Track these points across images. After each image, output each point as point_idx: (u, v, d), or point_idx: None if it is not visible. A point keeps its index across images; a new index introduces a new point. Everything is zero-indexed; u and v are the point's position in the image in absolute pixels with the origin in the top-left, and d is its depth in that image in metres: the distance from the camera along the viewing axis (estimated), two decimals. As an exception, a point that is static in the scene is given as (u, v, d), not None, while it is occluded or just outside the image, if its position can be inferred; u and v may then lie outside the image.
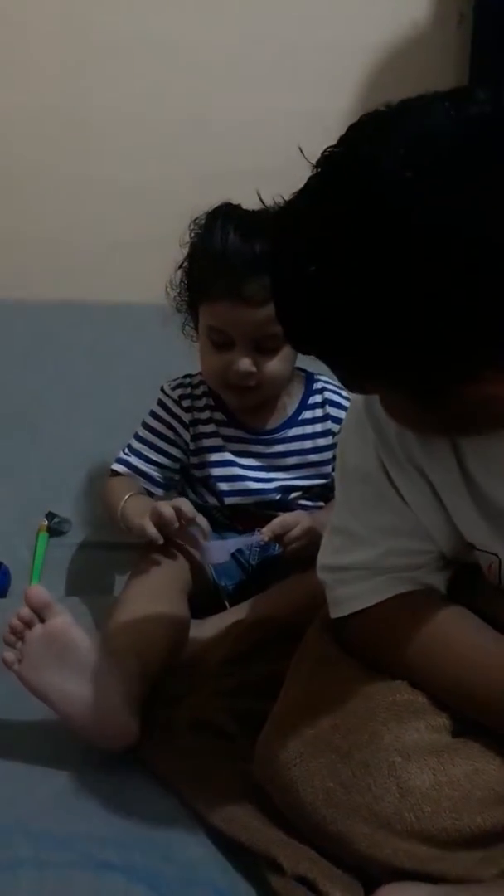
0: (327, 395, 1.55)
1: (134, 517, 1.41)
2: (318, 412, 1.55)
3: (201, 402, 1.55)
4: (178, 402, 1.55)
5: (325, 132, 2.66)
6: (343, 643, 1.05)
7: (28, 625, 1.07)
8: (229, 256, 1.39)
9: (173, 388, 1.58)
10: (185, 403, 1.55)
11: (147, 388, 2.03)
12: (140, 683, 1.13)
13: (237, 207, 1.51)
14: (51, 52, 2.30)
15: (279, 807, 0.96)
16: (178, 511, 1.36)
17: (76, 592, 1.56)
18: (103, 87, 2.33)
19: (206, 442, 1.52)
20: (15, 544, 1.63)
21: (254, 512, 1.50)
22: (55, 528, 1.68)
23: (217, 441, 1.52)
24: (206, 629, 1.34)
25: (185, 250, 1.52)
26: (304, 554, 1.35)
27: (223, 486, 1.51)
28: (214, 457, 1.51)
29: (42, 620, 1.07)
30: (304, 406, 1.55)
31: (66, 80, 2.33)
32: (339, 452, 1.07)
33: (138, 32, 2.30)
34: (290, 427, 1.53)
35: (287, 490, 1.52)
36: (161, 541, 1.38)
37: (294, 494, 1.53)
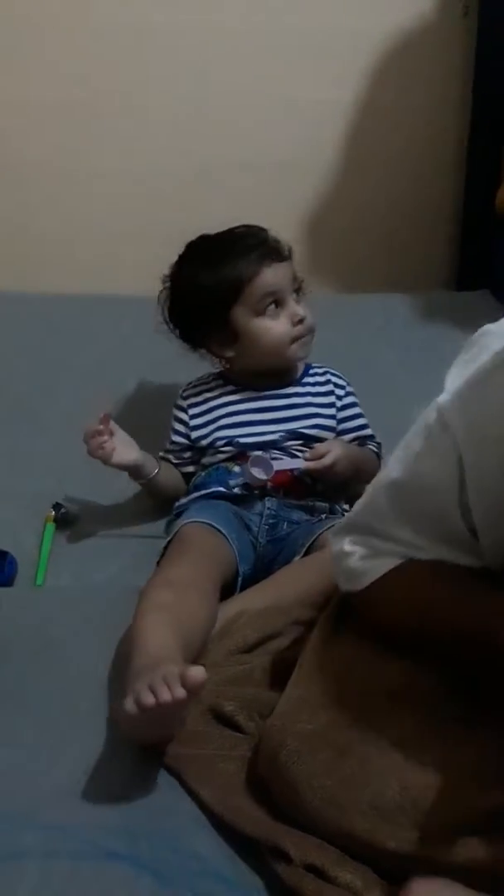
0: (329, 376, 1.73)
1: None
2: (321, 379, 1.72)
3: (210, 383, 1.72)
4: (181, 400, 1.72)
5: (329, 123, 2.69)
6: (360, 613, 1.05)
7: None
8: (237, 242, 1.63)
9: (183, 390, 1.75)
10: (185, 393, 1.73)
11: (152, 379, 2.04)
12: None
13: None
14: (53, 46, 2.30)
15: (281, 804, 0.96)
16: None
17: (82, 582, 1.57)
18: (106, 80, 2.33)
19: (213, 402, 1.68)
20: (22, 535, 1.63)
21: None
22: (62, 519, 1.68)
23: (224, 399, 1.68)
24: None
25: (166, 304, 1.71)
26: (338, 479, 1.57)
27: (230, 431, 1.63)
28: (221, 411, 1.66)
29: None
30: (306, 373, 1.72)
31: (69, 73, 2.33)
32: (405, 449, 1.00)
33: (139, 25, 2.30)
34: (295, 385, 1.70)
35: (290, 436, 1.62)
36: (111, 450, 1.55)
37: (296, 442, 1.62)
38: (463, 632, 0.93)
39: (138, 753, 1.07)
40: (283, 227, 2.32)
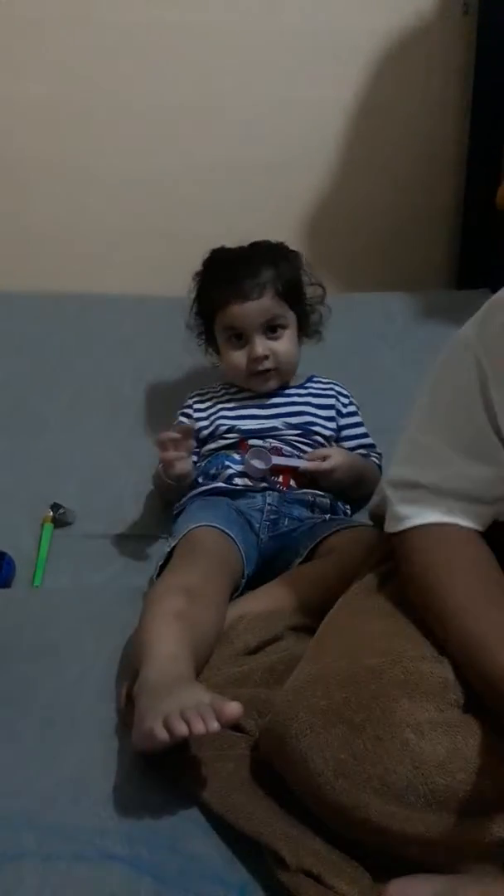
0: (333, 386, 1.79)
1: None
2: (324, 387, 1.78)
3: (215, 388, 1.79)
4: (186, 402, 1.78)
5: (329, 123, 2.69)
6: (396, 563, 1.12)
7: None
8: (228, 269, 1.71)
9: (188, 397, 1.80)
10: (189, 398, 1.78)
11: (151, 379, 2.04)
12: None
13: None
14: (50, 44, 2.30)
15: (288, 781, 0.96)
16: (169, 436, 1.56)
17: (80, 583, 1.56)
18: (106, 79, 2.33)
19: (216, 399, 1.75)
20: (20, 535, 1.63)
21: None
22: (60, 519, 1.68)
23: (227, 396, 1.76)
24: None
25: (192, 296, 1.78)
26: (337, 486, 1.62)
27: (232, 421, 1.69)
28: (224, 404, 1.73)
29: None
30: (310, 380, 1.79)
31: (66, 72, 2.32)
32: (433, 375, 1.15)
33: (138, 25, 2.29)
34: (297, 388, 1.76)
35: (290, 426, 1.68)
36: (182, 456, 1.55)
37: (295, 432, 1.67)
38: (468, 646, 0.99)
39: (137, 755, 1.07)
40: (283, 226, 2.32)
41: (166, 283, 2.16)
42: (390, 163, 2.49)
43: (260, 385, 1.71)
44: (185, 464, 1.57)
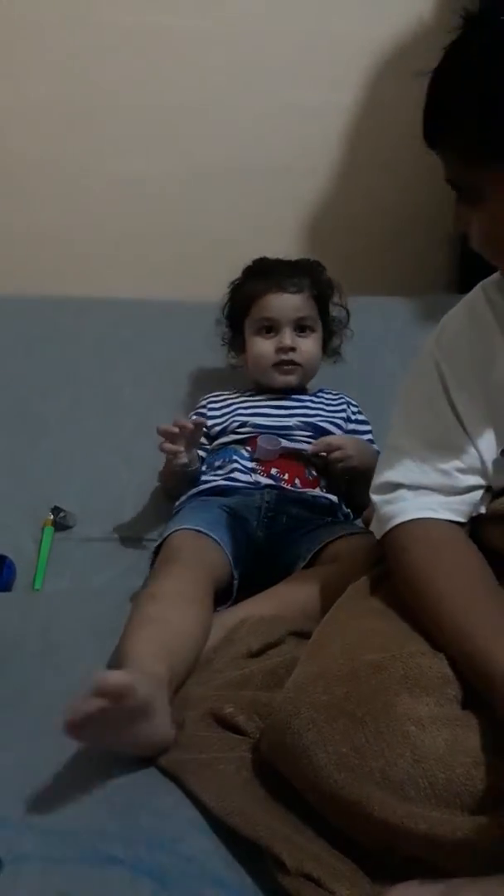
0: (344, 396, 1.88)
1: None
2: (335, 397, 1.87)
3: (233, 392, 1.87)
4: (201, 402, 1.86)
5: (328, 127, 2.68)
6: (388, 565, 1.17)
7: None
8: (270, 268, 1.85)
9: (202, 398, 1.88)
10: (203, 398, 1.87)
11: (151, 383, 2.04)
12: (168, 690, 1.12)
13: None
14: (51, 46, 2.30)
15: (289, 778, 0.97)
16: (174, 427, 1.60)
17: (81, 586, 1.57)
18: (103, 81, 2.33)
19: (231, 399, 1.83)
20: (20, 538, 1.64)
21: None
22: (60, 523, 1.68)
23: (243, 397, 1.84)
24: (212, 628, 1.34)
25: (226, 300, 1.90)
26: (348, 472, 1.68)
27: (245, 417, 1.76)
28: (239, 403, 1.81)
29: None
30: (321, 390, 1.88)
31: (66, 73, 2.32)
32: (402, 386, 1.29)
33: (139, 26, 2.29)
34: (310, 395, 1.85)
35: (303, 425, 1.75)
36: (179, 451, 1.59)
37: (307, 433, 1.74)
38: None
39: (137, 758, 1.07)
40: (282, 229, 2.32)
41: (166, 286, 2.16)
42: (389, 167, 2.49)
43: (281, 377, 1.79)
44: (183, 457, 1.61)
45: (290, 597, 1.38)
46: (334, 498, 1.66)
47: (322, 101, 2.37)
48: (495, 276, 1.25)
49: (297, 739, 0.94)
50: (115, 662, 1.20)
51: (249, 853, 0.94)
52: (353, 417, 1.84)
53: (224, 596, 1.44)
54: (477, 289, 1.28)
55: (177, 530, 1.49)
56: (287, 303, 1.79)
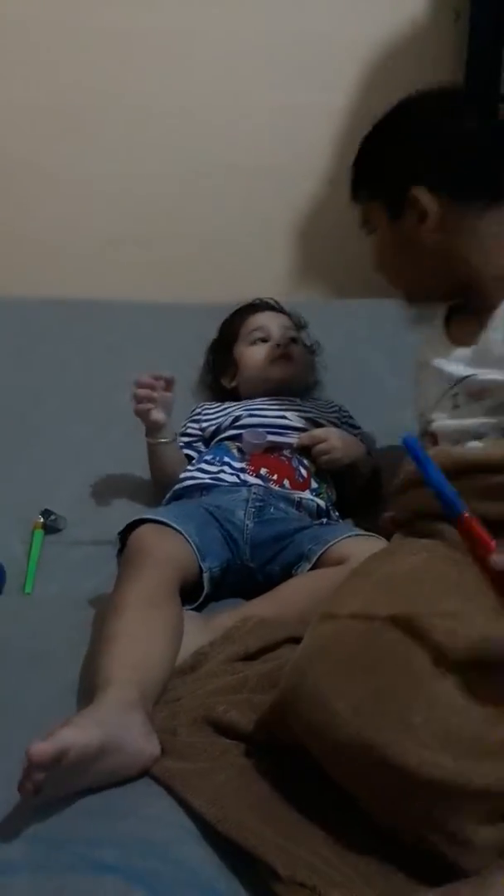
0: (337, 403, 1.95)
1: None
2: (328, 403, 1.96)
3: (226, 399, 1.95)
4: (195, 408, 1.93)
5: (321, 129, 2.68)
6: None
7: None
8: (254, 302, 2.05)
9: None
10: (202, 403, 1.97)
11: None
12: (142, 708, 1.11)
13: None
14: (45, 49, 2.30)
15: (303, 731, 0.97)
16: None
17: (71, 590, 1.56)
18: (98, 84, 2.33)
19: (227, 403, 1.91)
20: (10, 541, 1.63)
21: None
22: (50, 526, 1.68)
23: (239, 403, 1.90)
24: (208, 632, 1.33)
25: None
26: (333, 466, 1.73)
27: (240, 414, 1.82)
28: (235, 405, 1.88)
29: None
30: (317, 399, 1.98)
31: (62, 76, 2.32)
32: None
33: (131, 28, 2.29)
34: (303, 400, 1.92)
35: (291, 420, 1.81)
36: (149, 409, 1.69)
37: (294, 429, 1.79)
38: None
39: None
40: (275, 231, 2.32)
41: (160, 289, 2.16)
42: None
43: (279, 370, 1.91)
44: (155, 413, 1.70)
45: (295, 600, 1.38)
46: (322, 502, 1.65)
47: (315, 102, 2.38)
48: None
49: (315, 691, 0.96)
50: (87, 683, 1.18)
51: (242, 860, 0.94)
52: (344, 419, 1.90)
53: (195, 588, 1.43)
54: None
55: (139, 522, 1.46)
56: (277, 318, 1.99)
